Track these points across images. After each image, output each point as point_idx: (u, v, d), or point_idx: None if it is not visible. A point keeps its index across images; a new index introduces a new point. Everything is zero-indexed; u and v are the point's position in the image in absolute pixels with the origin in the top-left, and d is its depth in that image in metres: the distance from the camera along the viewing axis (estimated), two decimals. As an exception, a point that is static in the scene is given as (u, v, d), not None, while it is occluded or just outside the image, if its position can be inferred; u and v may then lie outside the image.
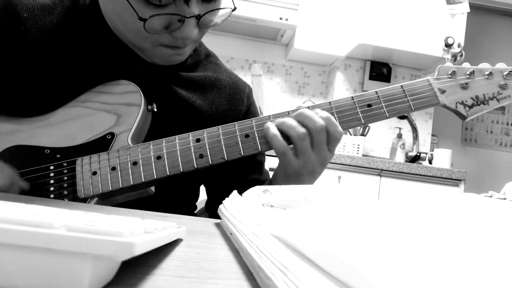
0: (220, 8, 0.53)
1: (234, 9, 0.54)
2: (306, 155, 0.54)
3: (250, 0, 2.13)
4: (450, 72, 0.60)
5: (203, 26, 0.53)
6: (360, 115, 0.56)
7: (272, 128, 0.54)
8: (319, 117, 0.53)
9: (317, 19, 2.31)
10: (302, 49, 2.30)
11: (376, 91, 0.58)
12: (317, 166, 0.55)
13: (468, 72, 0.60)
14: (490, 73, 0.59)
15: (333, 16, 2.32)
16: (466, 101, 0.59)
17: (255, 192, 0.37)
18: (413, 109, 0.57)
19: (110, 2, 0.53)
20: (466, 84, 0.59)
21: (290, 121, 0.54)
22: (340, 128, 0.54)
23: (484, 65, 0.60)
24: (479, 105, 0.59)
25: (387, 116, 0.57)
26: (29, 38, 0.55)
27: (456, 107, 0.59)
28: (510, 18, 2.91)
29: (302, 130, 0.53)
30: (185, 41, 0.53)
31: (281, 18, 2.19)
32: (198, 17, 0.50)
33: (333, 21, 2.32)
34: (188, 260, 0.23)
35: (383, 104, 0.57)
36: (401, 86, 0.58)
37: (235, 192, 0.39)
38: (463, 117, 0.59)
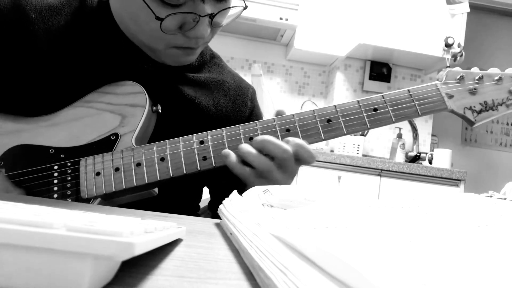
0: (232, 7, 0.54)
1: (245, 7, 0.54)
2: (271, 175, 0.52)
3: (250, 0, 2.13)
4: (458, 77, 0.58)
5: (215, 25, 0.54)
6: (366, 119, 0.55)
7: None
8: (286, 146, 0.51)
9: (317, 19, 2.31)
10: (302, 49, 2.30)
11: (382, 95, 0.56)
12: (286, 179, 0.53)
13: (476, 77, 0.58)
14: (500, 78, 0.58)
15: (333, 16, 2.32)
16: (474, 107, 0.58)
17: (255, 192, 0.37)
18: (420, 114, 0.56)
19: (124, 3, 0.53)
20: (474, 89, 0.58)
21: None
22: (310, 154, 0.52)
23: (494, 70, 0.60)
24: (487, 110, 0.58)
25: (394, 120, 0.56)
26: (37, 38, 0.56)
27: (464, 112, 0.57)
28: (510, 18, 2.91)
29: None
30: (198, 41, 0.54)
31: (281, 18, 2.19)
32: (212, 16, 0.51)
33: (333, 21, 2.32)
34: (188, 260, 0.23)
35: (389, 108, 0.56)
36: (408, 90, 0.57)
37: (235, 192, 0.39)
38: (471, 123, 0.58)
